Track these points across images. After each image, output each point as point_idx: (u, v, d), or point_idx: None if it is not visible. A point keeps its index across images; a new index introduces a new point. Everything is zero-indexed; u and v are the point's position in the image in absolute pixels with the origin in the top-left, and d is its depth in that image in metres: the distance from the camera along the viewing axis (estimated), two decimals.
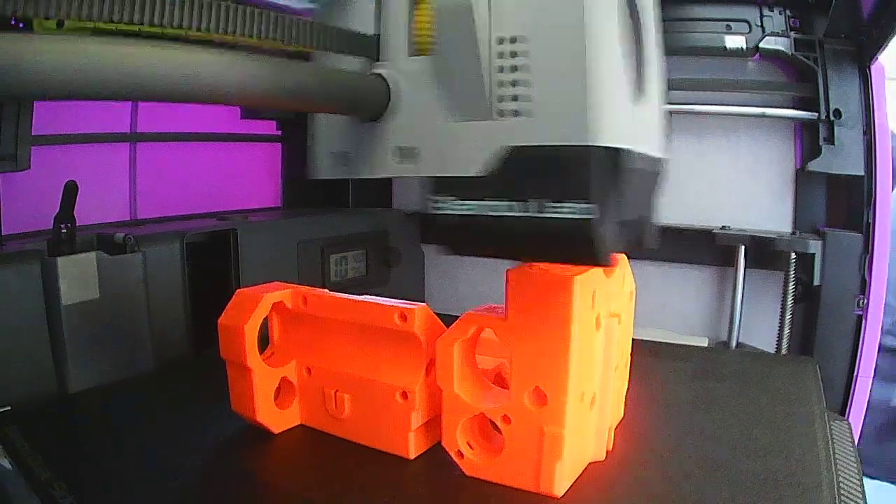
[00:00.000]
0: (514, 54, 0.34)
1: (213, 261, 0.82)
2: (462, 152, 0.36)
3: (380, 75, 0.39)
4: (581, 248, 0.33)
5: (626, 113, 0.36)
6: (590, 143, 0.32)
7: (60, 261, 0.62)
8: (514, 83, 0.34)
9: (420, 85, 0.38)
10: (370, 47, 0.40)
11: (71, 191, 0.64)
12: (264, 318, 0.50)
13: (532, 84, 0.34)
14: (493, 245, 0.37)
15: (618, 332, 0.44)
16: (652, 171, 0.41)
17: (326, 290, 0.50)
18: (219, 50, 0.30)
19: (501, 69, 0.34)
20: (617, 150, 0.33)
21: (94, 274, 0.65)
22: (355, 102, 0.38)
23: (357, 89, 0.38)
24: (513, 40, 0.34)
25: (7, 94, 0.23)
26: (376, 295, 0.97)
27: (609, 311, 0.44)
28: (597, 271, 0.41)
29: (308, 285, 0.90)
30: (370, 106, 0.39)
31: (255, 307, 0.48)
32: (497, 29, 0.34)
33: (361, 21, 0.40)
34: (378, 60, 0.40)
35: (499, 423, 0.42)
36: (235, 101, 0.32)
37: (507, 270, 0.40)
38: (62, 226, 0.65)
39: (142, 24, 0.28)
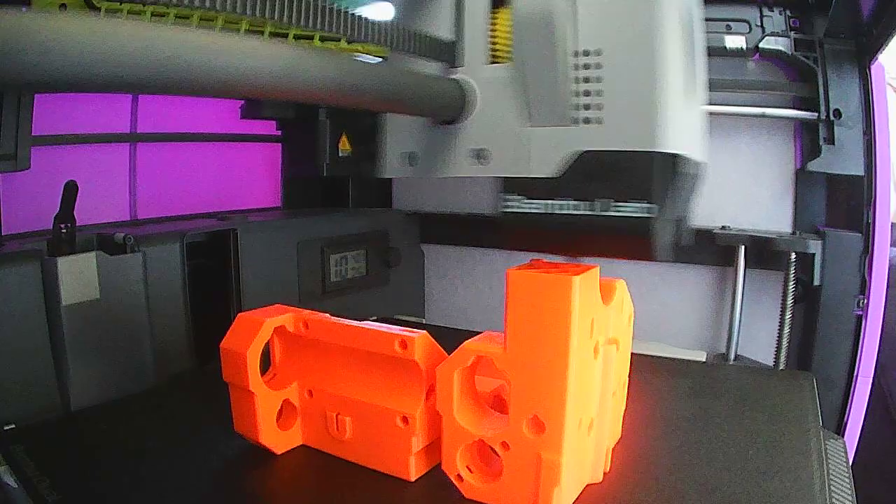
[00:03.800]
0: (591, 66, 0.37)
1: (213, 261, 0.82)
2: (535, 155, 0.39)
3: (458, 80, 0.41)
4: (642, 243, 0.37)
5: (683, 121, 0.39)
6: (655, 150, 0.36)
7: (60, 261, 0.62)
8: (589, 93, 0.37)
9: (497, 91, 0.40)
10: (448, 52, 0.42)
11: (71, 191, 0.64)
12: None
13: (605, 94, 0.37)
14: (559, 241, 0.40)
15: (616, 358, 0.45)
16: (694, 174, 0.43)
17: (327, 315, 0.50)
18: (299, 46, 0.31)
19: (579, 80, 0.37)
20: (675, 155, 0.37)
21: (94, 274, 0.65)
22: (434, 105, 0.40)
23: (436, 93, 0.40)
24: (591, 53, 0.37)
25: (23, 80, 0.20)
26: (376, 295, 0.97)
27: (607, 338, 0.44)
28: (595, 295, 0.42)
29: (308, 285, 0.92)
30: (448, 109, 0.41)
31: (257, 332, 0.48)
32: (577, 42, 0.37)
33: (440, 27, 0.42)
34: (455, 66, 0.42)
35: (497, 450, 0.42)
36: (317, 99, 0.33)
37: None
38: (62, 226, 0.65)
39: (191, 5, 0.27)
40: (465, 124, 0.42)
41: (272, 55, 0.28)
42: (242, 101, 0.98)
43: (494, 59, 0.41)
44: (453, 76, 0.42)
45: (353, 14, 0.33)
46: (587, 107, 0.37)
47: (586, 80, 0.37)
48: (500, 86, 0.40)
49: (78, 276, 0.64)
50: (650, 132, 0.36)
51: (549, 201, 0.39)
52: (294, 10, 0.30)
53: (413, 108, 0.40)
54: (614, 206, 0.37)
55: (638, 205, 0.36)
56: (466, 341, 0.43)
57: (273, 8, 0.29)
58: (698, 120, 0.44)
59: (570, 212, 0.38)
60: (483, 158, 0.41)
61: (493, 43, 0.41)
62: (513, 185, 0.40)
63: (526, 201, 0.40)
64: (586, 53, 0.37)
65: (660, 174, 0.36)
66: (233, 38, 0.26)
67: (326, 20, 0.32)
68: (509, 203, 0.40)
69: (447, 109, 0.41)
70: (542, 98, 0.39)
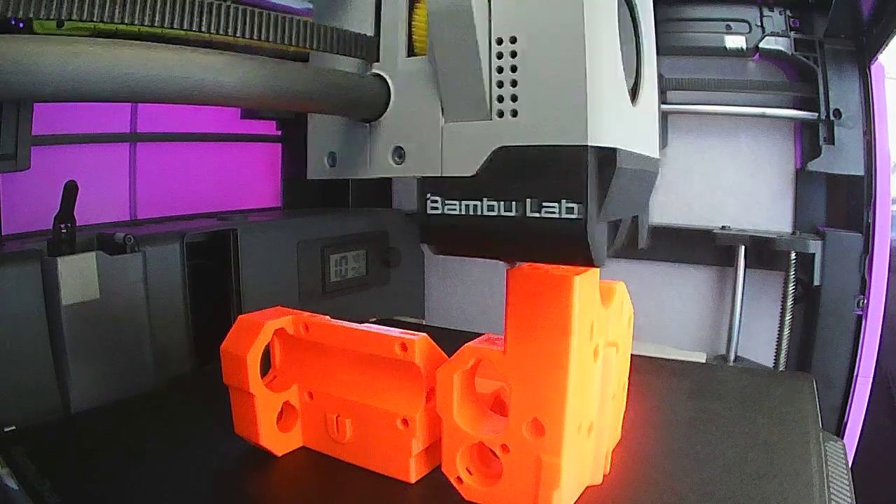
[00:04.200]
0: (512, 54, 0.34)
1: (213, 261, 0.82)
2: (459, 152, 0.36)
3: (378, 76, 0.39)
4: (573, 248, 0.34)
5: (621, 113, 0.36)
6: (583, 143, 0.32)
7: (60, 261, 0.62)
8: (511, 83, 0.34)
9: (418, 85, 0.38)
10: (368, 48, 0.40)
11: (71, 191, 0.64)
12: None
13: (529, 84, 0.34)
14: (485, 245, 0.37)
15: (615, 361, 0.45)
16: (645, 171, 0.41)
17: (328, 318, 0.50)
18: (216, 51, 0.30)
19: (499, 70, 0.35)
20: (609, 149, 0.33)
21: (94, 274, 0.65)
22: (354, 103, 0.38)
23: (356, 90, 0.38)
24: (511, 40, 0.34)
25: (6, 96, 0.23)
26: (376, 295, 0.97)
27: (607, 341, 0.44)
28: (595, 294, 0.42)
29: (308, 285, 0.92)
30: (368, 107, 0.39)
31: (257, 335, 0.48)
32: (495, 30, 0.34)
33: (359, 22, 0.40)
34: (376, 61, 0.40)
35: (497, 452, 0.42)
36: (234, 103, 0.32)
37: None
38: (62, 226, 0.65)
39: (142, 24, 0.28)
40: (382, 122, 0.39)
41: (163, 61, 0.28)
42: None
43: (415, 53, 0.39)
44: (371, 72, 0.40)
45: (264, 14, 0.32)
46: (511, 98, 0.35)
47: (509, 69, 0.34)
48: (416, 79, 0.38)
49: (78, 276, 0.64)
50: (578, 125, 0.33)
51: (474, 202, 0.36)
52: (204, 14, 0.30)
53: (328, 107, 0.38)
54: (543, 206, 0.34)
55: (569, 205, 0.33)
56: (466, 344, 0.43)
57: (182, 13, 0.29)
58: (647, 113, 0.41)
59: (498, 213, 0.35)
60: (406, 157, 0.39)
61: (414, 35, 0.39)
62: (433, 186, 0.37)
63: (449, 202, 0.36)
64: (500, 42, 0.34)
65: (592, 171, 0.33)
66: (137, 48, 0.27)
67: (237, 22, 0.31)
68: (433, 204, 0.37)
69: (367, 106, 0.39)
70: (462, 90, 0.36)
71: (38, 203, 0.78)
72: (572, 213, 0.33)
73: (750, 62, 0.93)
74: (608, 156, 0.33)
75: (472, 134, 0.36)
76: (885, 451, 0.95)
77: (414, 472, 0.47)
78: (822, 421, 0.58)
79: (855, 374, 0.85)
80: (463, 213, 0.36)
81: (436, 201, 0.37)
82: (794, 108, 0.90)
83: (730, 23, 0.90)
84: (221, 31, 0.31)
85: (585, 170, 0.33)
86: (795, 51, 0.88)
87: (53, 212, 0.64)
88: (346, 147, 0.42)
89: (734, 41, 0.90)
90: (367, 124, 0.40)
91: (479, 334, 0.44)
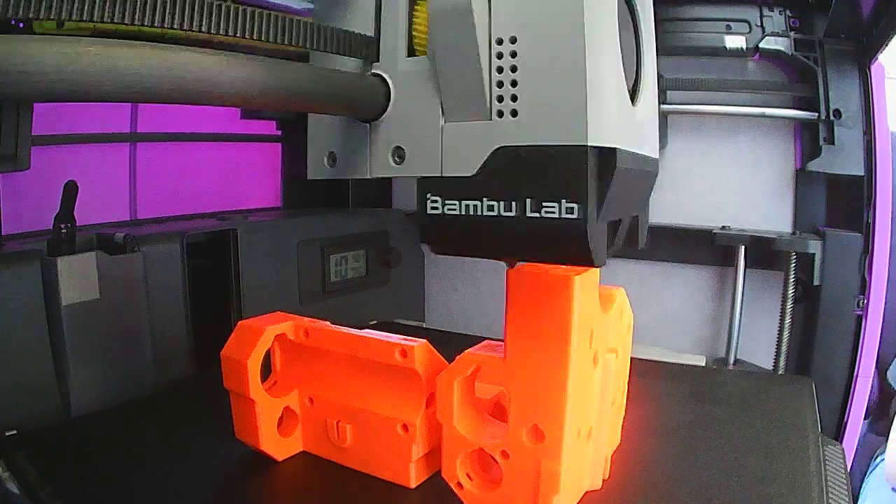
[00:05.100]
0: (511, 54, 0.34)
1: (213, 261, 0.82)
2: (459, 152, 0.36)
3: (378, 76, 0.39)
4: (573, 248, 0.34)
5: (620, 113, 0.36)
6: (582, 143, 0.33)
7: (60, 261, 0.62)
8: (511, 83, 0.34)
9: (418, 85, 0.38)
10: (368, 48, 0.40)
11: (71, 191, 0.64)
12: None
13: (528, 84, 0.34)
14: (484, 245, 0.37)
15: (615, 367, 0.45)
16: (645, 171, 0.41)
17: (328, 323, 0.50)
18: (216, 51, 0.30)
19: (499, 69, 0.35)
20: (609, 149, 0.34)
21: (94, 274, 0.65)
22: (354, 103, 0.39)
23: (356, 90, 0.38)
24: (511, 40, 0.34)
25: (6, 96, 0.23)
26: (376, 295, 0.97)
27: (606, 347, 0.44)
28: (594, 295, 0.42)
29: (308, 285, 0.92)
30: (368, 107, 0.39)
31: (258, 340, 0.48)
32: (495, 30, 0.34)
33: (360, 22, 0.41)
34: (376, 61, 0.40)
35: (497, 458, 0.42)
36: (233, 103, 0.32)
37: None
38: (62, 226, 0.65)
39: (141, 24, 0.28)
40: (383, 121, 0.39)
41: (163, 61, 0.27)
42: None
43: (415, 52, 0.39)
44: (371, 72, 0.40)
45: (264, 13, 0.32)
46: (511, 98, 0.35)
47: (510, 69, 0.34)
48: (421, 79, 0.38)
49: (78, 276, 0.64)
50: (577, 124, 0.33)
51: (473, 202, 0.36)
52: (205, 14, 0.30)
53: (328, 107, 0.38)
54: (542, 206, 0.34)
55: (568, 205, 0.33)
56: (466, 350, 0.43)
57: (182, 13, 0.29)
58: (646, 112, 0.41)
59: (498, 213, 0.35)
60: (406, 157, 0.39)
61: (414, 36, 0.39)
62: (433, 186, 0.37)
63: (449, 202, 0.37)
64: (500, 41, 0.34)
65: (591, 171, 0.33)
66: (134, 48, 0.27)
67: (237, 22, 0.31)
68: (433, 205, 0.37)
69: (367, 106, 0.39)
70: (462, 90, 0.36)
71: (38, 203, 0.78)
72: (572, 213, 0.33)
73: (750, 62, 0.93)
74: (608, 156, 0.33)
75: (471, 134, 0.36)
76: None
77: (414, 478, 0.47)
78: (821, 423, 0.58)
79: (855, 374, 0.85)
80: (463, 213, 0.36)
81: (435, 201, 0.37)
82: (793, 108, 0.90)
83: (730, 23, 0.90)
84: (221, 32, 0.30)
85: (585, 170, 0.33)
86: (795, 51, 0.88)
87: (53, 212, 0.64)
88: (347, 147, 0.42)
89: (734, 41, 0.90)
90: (367, 124, 0.40)
91: (480, 336, 0.44)
